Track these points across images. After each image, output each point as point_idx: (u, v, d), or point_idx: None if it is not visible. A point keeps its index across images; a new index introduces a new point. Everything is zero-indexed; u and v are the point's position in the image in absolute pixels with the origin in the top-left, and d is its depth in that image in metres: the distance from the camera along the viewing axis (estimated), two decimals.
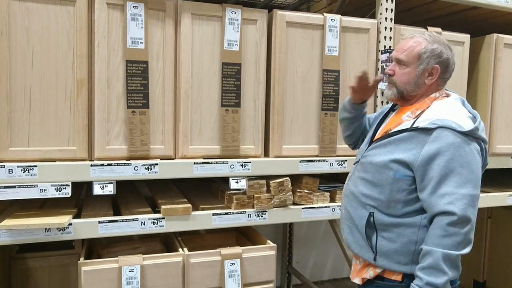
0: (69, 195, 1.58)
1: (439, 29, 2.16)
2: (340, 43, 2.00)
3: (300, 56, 1.96)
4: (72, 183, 1.60)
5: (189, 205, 1.77)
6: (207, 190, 2.25)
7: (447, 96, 1.46)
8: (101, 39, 1.66)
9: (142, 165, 1.68)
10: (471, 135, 1.32)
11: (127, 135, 1.70)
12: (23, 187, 1.53)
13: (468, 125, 1.32)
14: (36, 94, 1.58)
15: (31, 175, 1.54)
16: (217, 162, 1.80)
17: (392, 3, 2.07)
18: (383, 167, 1.40)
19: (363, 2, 2.35)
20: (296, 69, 1.96)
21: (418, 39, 1.44)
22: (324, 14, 1.98)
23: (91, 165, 1.62)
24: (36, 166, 1.54)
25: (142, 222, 1.69)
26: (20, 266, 1.99)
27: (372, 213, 1.42)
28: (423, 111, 1.41)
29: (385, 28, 2.07)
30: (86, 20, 1.64)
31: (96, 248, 1.98)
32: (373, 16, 2.15)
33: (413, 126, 1.37)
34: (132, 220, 1.68)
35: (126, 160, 1.69)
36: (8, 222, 1.50)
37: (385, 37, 2.07)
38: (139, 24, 1.71)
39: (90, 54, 1.66)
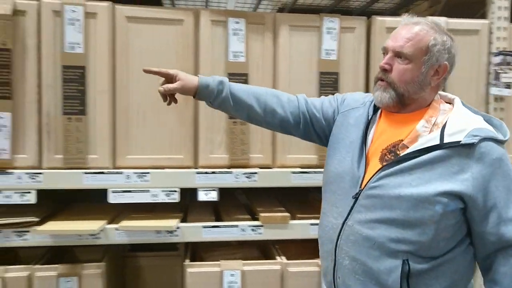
0: (177, 201, 1.70)
1: None
2: None
3: None
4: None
5: (287, 213, 1.79)
6: (303, 200, 2.25)
7: (443, 98, 1.23)
8: (205, 54, 1.77)
9: (242, 173, 1.74)
10: (504, 144, 1.13)
11: (229, 144, 1.77)
12: (138, 191, 1.68)
13: (500, 133, 1.14)
14: (148, 107, 1.73)
15: (145, 181, 1.68)
16: (314, 172, 1.79)
17: (506, 0, 1.90)
18: (424, 202, 1.07)
19: (468, 1, 2.19)
20: None
21: (424, 27, 1.14)
22: (428, 17, 1.88)
23: (197, 173, 1.72)
24: (148, 172, 1.68)
25: (242, 228, 1.75)
26: (131, 264, 2.18)
27: (406, 261, 1.09)
28: (437, 118, 1.15)
29: (498, 28, 1.90)
30: (192, 37, 1.76)
31: (198, 251, 2.09)
32: (482, 16, 1.99)
33: (445, 141, 1.08)
34: (233, 226, 1.75)
35: (227, 168, 1.77)
36: (125, 223, 1.66)
37: (498, 38, 1.90)
38: (240, 38, 1.78)
39: (195, 68, 1.77)
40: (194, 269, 1.67)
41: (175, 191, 1.70)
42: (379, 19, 1.86)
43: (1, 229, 1.63)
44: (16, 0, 1.64)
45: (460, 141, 1.06)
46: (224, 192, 1.78)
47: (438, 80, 1.16)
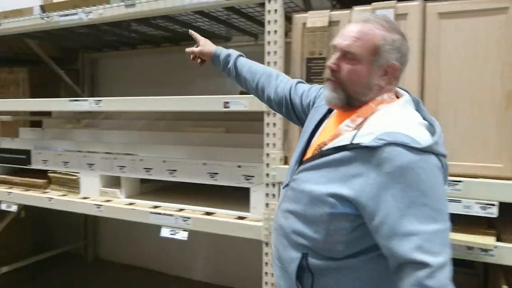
0: (494, 216, 1.48)
1: None
2: None
3: None
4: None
5: None
6: None
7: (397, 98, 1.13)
8: None
9: None
10: (429, 151, 0.99)
11: None
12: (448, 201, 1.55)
13: (424, 139, 1.01)
14: (461, 108, 1.58)
15: (456, 189, 1.54)
16: None
17: None
18: (317, 200, 1.09)
19: None
20: None
21: (374, 25, 1.09)
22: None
23: None
24: (461, 181, 1.53)
25: None
26: None
27: (305, 255, 1.13)
28: (365, 119, 1.08)
29: None
30: None
31: (506, 275, 1.79)
32: None
33: (353, 142, 1.04)
34: None
35: None
36: None
37: None
38: None
39: None
40: None
41: (493, 204, 1.48)
42: None
43: None
44: (331, 12, 1.78)
45: (361, 143, 1.03)
46: None
47: (387, 81, 1.12)
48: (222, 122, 2.55)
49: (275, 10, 1.86)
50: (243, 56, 1.65)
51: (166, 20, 2.62)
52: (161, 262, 3.62)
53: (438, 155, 1.03)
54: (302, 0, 2.24)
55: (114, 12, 2.25)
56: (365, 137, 1.04)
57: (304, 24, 1.82)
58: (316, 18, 1.80)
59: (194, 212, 2.16)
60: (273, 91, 1.50)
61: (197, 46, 1.70)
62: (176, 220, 2.11)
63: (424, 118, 1.13)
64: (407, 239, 0.96)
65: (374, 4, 1.70)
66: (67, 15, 2.40)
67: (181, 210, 2.20)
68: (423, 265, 0.94)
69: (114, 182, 2.54)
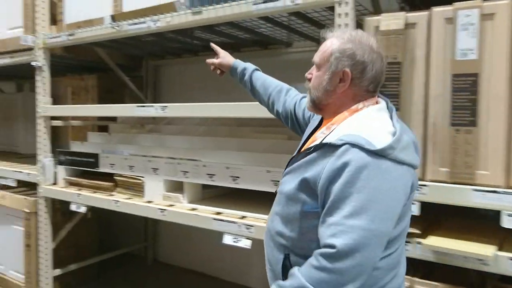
0: None
1: None
2: None
3: None
4: None
5: None
6: None
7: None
8: None
9: None
10: (384, 156, 1.05)
11: None
12: None
13: (380, 142, 1.07)
14: None
15: None
16: None
17: None
18: (291, 199, 1.19)
19: None
20: None
21: (336, 38, 1.23)
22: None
23: None
24: None
25: None
26: None
27: (287, 256, 1.20)
28: (338, 126, 1.19)
29: None
30: None
31: None
32: None
33: (321, 143, 1.15)
34: None
35: None
36: None
37: None
38: None
39: None
40: None
41: None
42: None
43: None
44: (407, 14, 1.68)
45: (323, 142, 1.13)
46: None
47: (344, 87, 1.21)
48: (284, 128, 2.50)
49: (346, 14, 1.79)
50: (259, 70, 1.77)
51: (230, 27, 2.63)
52: (219, 268, 3.63)
53: (394, 161, 1.08)
54: (371, 2, 2.15)
55: (181, 20, 2.28)
56: (330, 139, 1.14)
57: (377, 27, 1.73)
58: (390, 21, 1.71)
59: (257, 220, 2.13)
60: (281, 106, 1.64)
61: (217, 58, 1.84)
62: (239, 228, 2.09)
63: (394, 125, 1.18)
64: (329, 227, 1.06)
65: (457, 4, 1.58)
66: (136, 23, 2.47)
67: (243, 217, 2.18)
68: (329, 246, 1.04)
69: (176, 186, 2.58)
